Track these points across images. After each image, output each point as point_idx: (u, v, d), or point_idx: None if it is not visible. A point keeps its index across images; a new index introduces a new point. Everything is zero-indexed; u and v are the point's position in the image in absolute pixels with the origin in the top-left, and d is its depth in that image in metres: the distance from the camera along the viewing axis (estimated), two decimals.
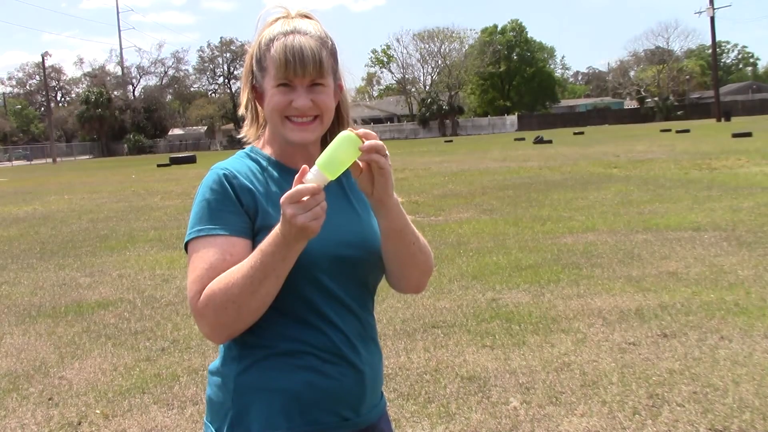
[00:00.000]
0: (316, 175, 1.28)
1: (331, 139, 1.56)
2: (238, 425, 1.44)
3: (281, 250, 1.31)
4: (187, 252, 1.45)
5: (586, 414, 3.59)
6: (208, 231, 1.41)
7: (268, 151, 1.54)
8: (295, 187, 1.26)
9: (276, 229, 1.31)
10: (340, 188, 1.55)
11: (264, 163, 1.51)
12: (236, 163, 1.50)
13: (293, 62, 1.42)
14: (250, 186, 1.46)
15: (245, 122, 1.61)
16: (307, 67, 1.42)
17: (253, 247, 1.39)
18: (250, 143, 1.59)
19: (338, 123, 1.58)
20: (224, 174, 1.45)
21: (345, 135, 1.32)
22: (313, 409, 1.44)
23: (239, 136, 1.62)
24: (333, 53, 1.49)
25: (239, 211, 1.43)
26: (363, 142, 1.31)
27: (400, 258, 1.51)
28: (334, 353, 1.46)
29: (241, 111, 1.61)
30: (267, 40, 1.47)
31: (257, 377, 1.45)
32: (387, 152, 1.34)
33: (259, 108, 1.56)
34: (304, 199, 1.26)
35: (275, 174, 1.50)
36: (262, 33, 1.49)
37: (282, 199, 1.27)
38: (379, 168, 1.34)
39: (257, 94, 1.53)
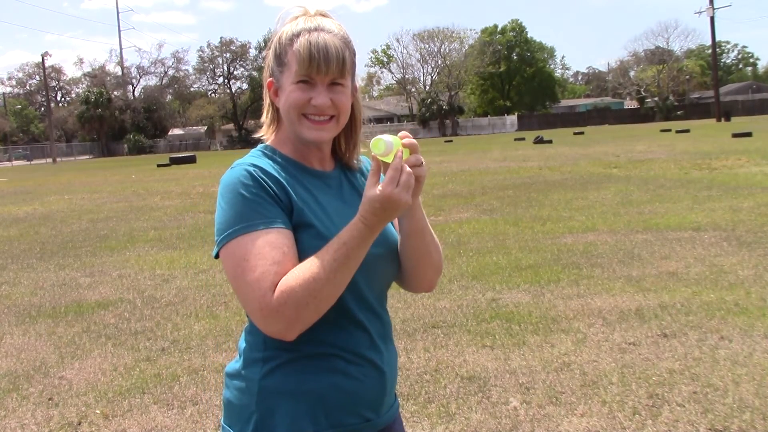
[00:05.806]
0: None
1: (345, 140, 1.58)
2: (262, 429, 1.41)
3: (364, 234, 1.31)
4: (219, 251, 1.38)
5: (586, 414, 3.59)
6: (257, 226, 1.35)
7: (282, 149, 1.50)
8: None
9: (357, 217, 1.32)
10: (354, 193, 1.54)
11: (282, 162, 1.48)
12: (259, 161, 1.45)
13: (318, 58, 1.39)
14: (282, 181, 1.42)
15: (265, 120, 1.56)
16: (330, 65, 1.40)
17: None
18: (263, 141, 1.55)
19: (352, 125, 1.55)
20: (254, 169, 1.40)
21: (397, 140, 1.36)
22: (337, 411, 1.42)
23: (258, 135, 1.56)
24: (353, 55, 1.48)
25: (279, 204, 1.39)
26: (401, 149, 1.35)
27: (418, 256, 1.52)
28: (359, 354, 1.45)
29: (263, 118, 1.56)
30: (289, 35, 1.43)
31: (283, 380, 1.41)
32: (423, 161, 1.37)
33: (275, 105, 1.51)
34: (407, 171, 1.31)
35: (295, 172, 1.47)
36: (283, 29, 1.46)
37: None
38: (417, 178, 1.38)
39: (273, 90, 1.49)
